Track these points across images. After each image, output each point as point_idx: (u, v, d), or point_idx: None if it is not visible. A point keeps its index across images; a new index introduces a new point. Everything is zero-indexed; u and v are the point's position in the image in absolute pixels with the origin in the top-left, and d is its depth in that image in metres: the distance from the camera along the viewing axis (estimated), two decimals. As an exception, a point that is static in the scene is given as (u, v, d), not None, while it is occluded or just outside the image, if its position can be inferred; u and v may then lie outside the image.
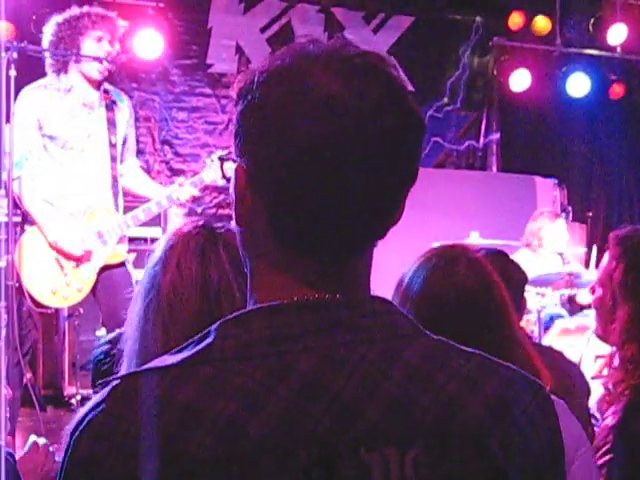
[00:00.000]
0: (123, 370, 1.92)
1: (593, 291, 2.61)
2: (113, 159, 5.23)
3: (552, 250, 7.20)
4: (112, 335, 3.47)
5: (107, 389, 1.05)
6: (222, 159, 1.19)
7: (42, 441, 2.62)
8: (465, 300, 2.05)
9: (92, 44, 5.06)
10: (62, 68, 5.06)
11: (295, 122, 1.04)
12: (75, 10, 5.10)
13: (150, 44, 7.76)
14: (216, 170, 5.20)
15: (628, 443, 2.21)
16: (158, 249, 1.92)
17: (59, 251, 5.02)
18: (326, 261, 1.09)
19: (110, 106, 5.24)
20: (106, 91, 5.27)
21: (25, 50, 4.91)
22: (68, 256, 5.03)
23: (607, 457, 2.19)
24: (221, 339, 1.05)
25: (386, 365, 1.05)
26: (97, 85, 5.18)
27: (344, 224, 1.07)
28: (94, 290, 5.15)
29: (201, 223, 1.97)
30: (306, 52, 1.08)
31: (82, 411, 1.07)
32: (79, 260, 5.06)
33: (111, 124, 5.21)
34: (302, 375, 1.02)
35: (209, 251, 1.88)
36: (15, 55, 4.81)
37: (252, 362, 1.02)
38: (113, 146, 5.23)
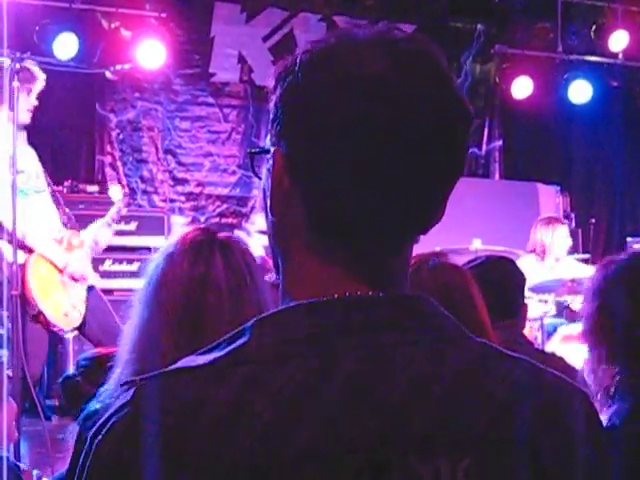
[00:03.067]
0: (115, 377, 1.93)
1: None
2: (53, 192, 5.50)
3: (555, 256, 7.21)
4: (91, 353, 3.52)
5: (130, 391, 0.97)
6: (252, 153, 1.11)
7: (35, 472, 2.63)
8: None
9: (25, 96, 5.20)
10: None
11: (339, 102, 0.98)
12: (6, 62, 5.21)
13: (153, 54, 7.78)
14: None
15: (617, 450, 2.22)
16: (159, 255, 1.95)
17: (68, 274, 5.22)
18: (366, 255, 1.03)
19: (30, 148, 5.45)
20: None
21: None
22: (75, 277, 5.24)
23: None
24: (258, 337, 0.97)
25: (434, 368, 0.99)
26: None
27: (387, 215, 1.01)
28: None
29: (202, 226, 2.00)
30: (352, 35, 1.03)
31: (104, 415, 0.99)
32: (79, 280, 5.27)
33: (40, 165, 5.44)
34: (347, 377, 0.95)
35: (204, 250, 1.90)
36: (18, 66, 4.84)
37: (293, 362, 0.95)
38: (50, 186, 5.49)
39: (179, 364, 1.00)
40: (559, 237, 7.21)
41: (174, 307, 1.84)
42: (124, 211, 5.72)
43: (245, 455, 0.91)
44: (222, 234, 1.98)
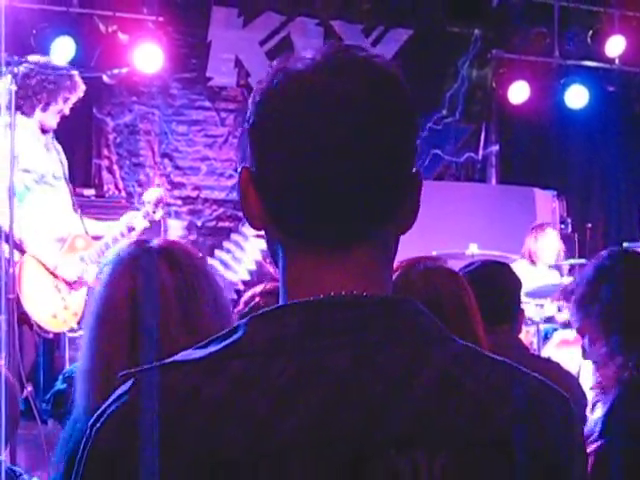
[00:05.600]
0: (78, 388, 1.95)
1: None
2: (72, 194, 5.50)
3: (544, 261, 7.22)
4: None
5: (128, 383, 1.03)
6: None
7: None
8: None
9: (61, 103, 5.27)
10: (28, 112, 5.18)
11: (272, 112, 1.08)
12: (57, 62, 5.42)
13: (150, 58, 7.78)
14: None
15: (617, 431, 2.24)
16: (101, 278, 1.97)
17: (57, 276, 5.16)
18: (330, 250, 1.09)
19: (57, 150, 5.46)
20: (52, 137, 5.47)
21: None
22: (65, 281, 5.17)
23: (594, 445, 2.21)
24: (251, 334, 1.03)
25: (416, 367, 1.03)
26: (45, 131, 5.38)
27: (332, 210, 1.07)
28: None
29: (134, 240, 2.02)
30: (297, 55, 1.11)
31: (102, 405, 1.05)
32: (74, 285, 5.20)
33: (62, 166, 5.45)
34: (333, 373, 1.01)
35: (143, 260, 1.91)
36: (16, 70, 4.84)
37: (283, 358, 1.01)
38: (69, 185, 5.50)
39: (176, 357, 1.05)
40: (546, 242, 7.23)
41: (123, 324, 1.85)
42: (159, 213, 5.61)
43: (235, 447, 0.97)
44: (156, 242, 2.00)
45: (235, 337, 1.04)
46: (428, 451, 1.00)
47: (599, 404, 2.34)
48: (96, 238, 5.49)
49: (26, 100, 5.09)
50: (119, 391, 1.04)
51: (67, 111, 5.32)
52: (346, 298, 1.06)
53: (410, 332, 1.06)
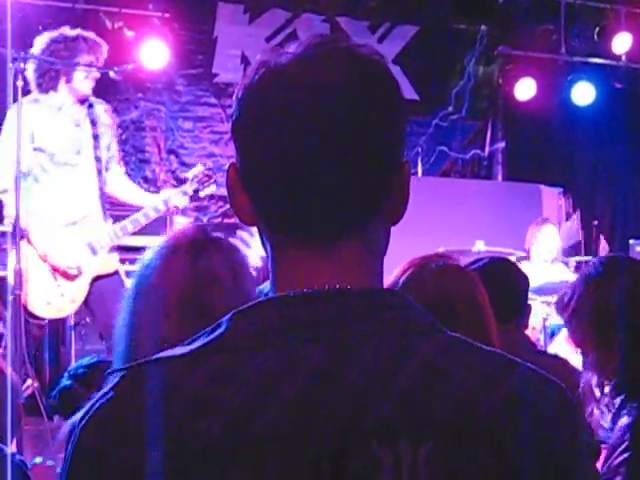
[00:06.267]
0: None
1: None
2: (99, 173, 5.34)
3: (542, 258, 7.19)
4: (87, 360, 3.52)
5: (114, 379, 1.05)
6: None
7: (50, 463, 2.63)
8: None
9: (84, 68, 5.18)
10: (53, 86, 5.12)
11: (254, 108, 1.08)
12: (70, 31, 5.24)
13: (156, 54, 7.78)
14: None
15: None
16: (150, 253, 1.95)
17: (49, 265, 5.07)
18: (317, 245, 1.08)
19: (94, 121, 5.35)
20: (90, 105, 5.37)
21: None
22: (56, 269, 5.08)
23: (625, 455, 2.19)
24: (233, 329, 1.04)
25: (400, 359, 1.02)
26: (82, 101, 5.29)
27: (318, 204, 1.07)
28: (86, 301, 5.21)
29: (195, 225, 2.02)
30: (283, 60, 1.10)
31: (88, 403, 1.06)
32: (64, 274, 5.10)
33: (96, 139, 5.31)
34: (313, 366, 1.01)
35: (200, 248, 1.91)
36: (22, 65, 4.84)
37: (263, 352, 1.02)
38: (99, 161, 5.34)
39: (161, 354, 1.07)
40: (544, 238, 7.20)
41: (178, 299, 1.85)
42: (208, 189, 5.52)
43: (213, 440, 0.97)
44: (214, 234, 2.01)
45: (217, 333, 1.04)
46: (412, 441, 0.99)
47: (624, 412, 2.33)
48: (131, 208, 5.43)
49: (44, 77, 5.05)
50: (105, 388, 1.05)
51: (97, 74, 5.24)
52: (329, 291, 1.06)
53: (396, 324, 1.05)
